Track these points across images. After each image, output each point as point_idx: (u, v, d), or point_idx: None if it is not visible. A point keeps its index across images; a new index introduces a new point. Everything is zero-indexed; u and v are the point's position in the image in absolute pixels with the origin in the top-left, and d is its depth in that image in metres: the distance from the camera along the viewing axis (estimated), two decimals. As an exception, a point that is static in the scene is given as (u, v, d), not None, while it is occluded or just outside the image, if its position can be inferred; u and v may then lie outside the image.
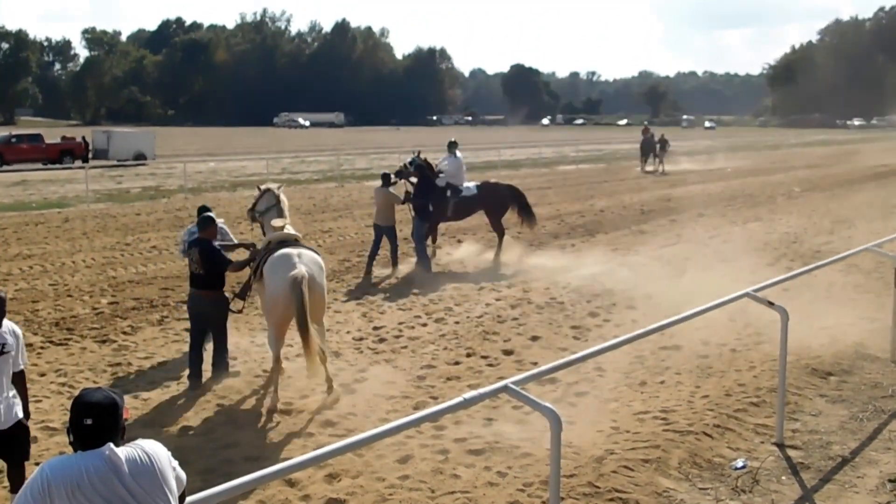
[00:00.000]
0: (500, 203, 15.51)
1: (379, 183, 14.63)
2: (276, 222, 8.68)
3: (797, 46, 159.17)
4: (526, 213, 15.72)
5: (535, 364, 8.51)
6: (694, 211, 22.30)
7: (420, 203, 14.49)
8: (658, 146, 37.39)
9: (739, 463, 6.41)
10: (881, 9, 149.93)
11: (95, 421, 3.02)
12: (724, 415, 7.32)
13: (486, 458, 6.54)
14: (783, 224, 19.81)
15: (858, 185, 30.71)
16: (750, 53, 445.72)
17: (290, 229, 8.68)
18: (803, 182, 31.71)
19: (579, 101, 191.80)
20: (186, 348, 9.73)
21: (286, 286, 7.63)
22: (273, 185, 9.47)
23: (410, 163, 14.92)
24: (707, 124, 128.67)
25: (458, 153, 15.62)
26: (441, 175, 15.11)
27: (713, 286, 9.98)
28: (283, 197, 9.21)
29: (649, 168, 37.07)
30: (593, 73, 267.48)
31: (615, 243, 17.17)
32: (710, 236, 17.91)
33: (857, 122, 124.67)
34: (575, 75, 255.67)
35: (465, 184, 15.45)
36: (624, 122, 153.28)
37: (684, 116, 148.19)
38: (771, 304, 6.80)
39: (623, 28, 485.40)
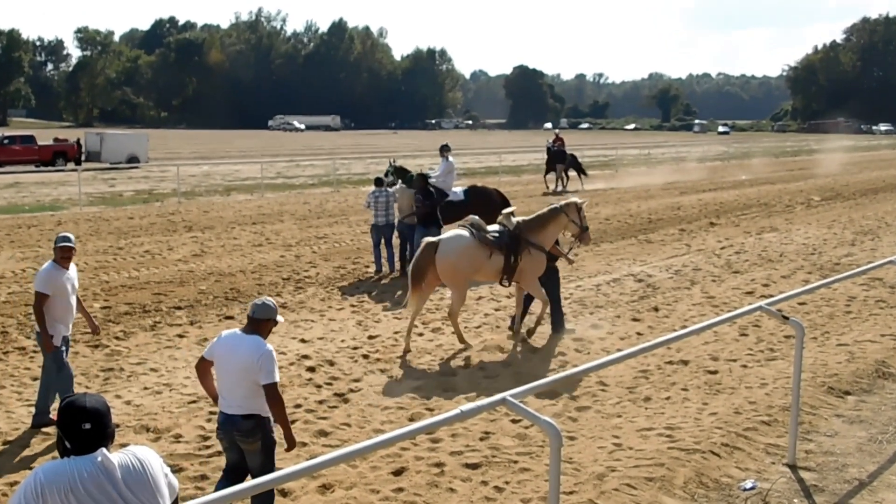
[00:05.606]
0: (491, 208, 15.23)
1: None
2: (505, 211, 10.59)
3: (820, 46, 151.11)
4: None
5: (535, 377, 8.31)
6: (705, 220, 21.73)
7: (424, 211, 14.29)
8: (570, 159, 31.66)
9: (749, 484, 6.20)
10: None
11: (94, 425, 3.04)
12: (733, 433, 7.09)
13: (483, 473, 6.42)
14: (801, 234, 19.17)
15: (883, 193, 29.41)
16: (768, 54, 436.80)
17: (511, 220, 10.08)
18: (823, 190, 30.31)
19: (585, 105, 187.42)
20: (178, 354, 9.62)
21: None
22: (577, 200, 10.54)
23: (387, 173, 15.19)
24: (721, 129, 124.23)
25: (451, 157, 15.48)
26: (430, 180, 14.97)
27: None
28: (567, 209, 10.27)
29: (552, 186, 31.17)
30: (600, 75, 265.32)
31: (620, 253, 16.81)
32: (722, 246, 17.48)
33: (883, 128, 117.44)
34: (581, 77, 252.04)
35: (453, 188, 15.26)
36: (632, 126, 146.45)
37: (696, 121, 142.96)
38: (786, 317, 6.55)
39: (632, 27, 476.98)
